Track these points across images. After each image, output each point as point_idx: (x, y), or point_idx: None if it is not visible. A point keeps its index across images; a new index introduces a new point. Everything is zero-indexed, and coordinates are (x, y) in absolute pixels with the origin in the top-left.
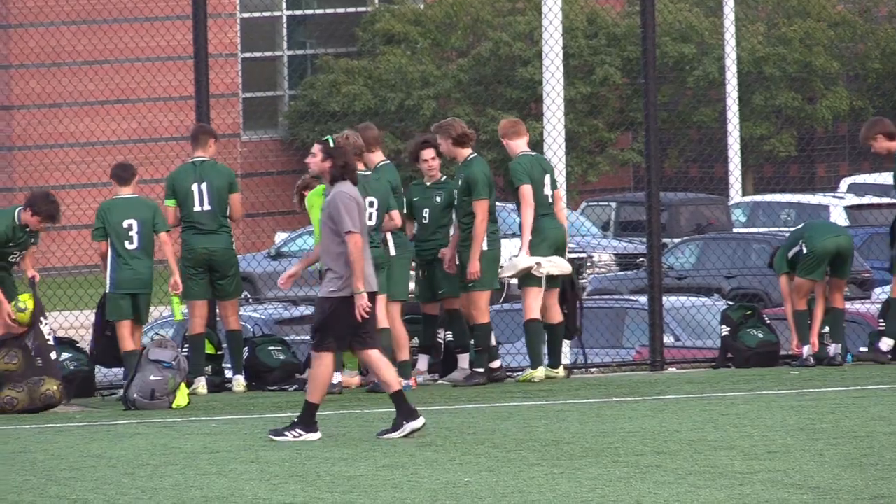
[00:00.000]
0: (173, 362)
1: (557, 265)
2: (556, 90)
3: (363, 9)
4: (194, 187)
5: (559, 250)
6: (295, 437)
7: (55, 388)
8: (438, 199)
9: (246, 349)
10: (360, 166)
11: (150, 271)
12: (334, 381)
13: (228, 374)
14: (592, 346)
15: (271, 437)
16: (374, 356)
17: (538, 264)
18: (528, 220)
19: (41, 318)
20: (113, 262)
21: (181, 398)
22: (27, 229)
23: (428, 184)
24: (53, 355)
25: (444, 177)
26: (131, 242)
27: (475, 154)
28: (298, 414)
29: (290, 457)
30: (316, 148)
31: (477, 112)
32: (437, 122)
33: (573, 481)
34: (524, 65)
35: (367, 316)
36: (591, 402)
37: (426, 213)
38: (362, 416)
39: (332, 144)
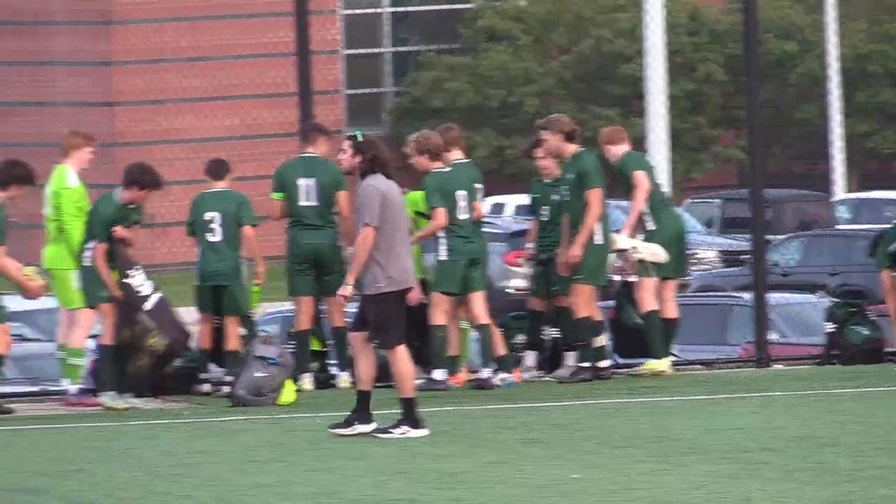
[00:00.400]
0: (279, 359)
1: (653, 252)
2: (658, 87)
3: (466, 5)
4: (301, 182)
5: (680, 241)
6: (401, 433)
7: (154, 340)
8: (556, 196)
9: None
10: (438, 164)
11: (234, 263)
12: (439, 377)
13: (334, 370)
14: (697, 342)
15: (377, 435)
16: (398, 352)
17: (634, 248)
18: (639, 204)
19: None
20: (199, 255)
21: (287, 394)
22: (131, 207)
23: (547, 181)
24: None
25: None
26: (213, 235)
27: (583, 149)
28: (401, 412)
29: (395, 453)
30: (346, 144)
31: (579, 109)
32: (545, 118)
33: (680, 478)
34: (626, 62)
35: (342, 303)
36: (698, 399)
37: (545, 210)
38: (469, 413)
39: (360, 139)
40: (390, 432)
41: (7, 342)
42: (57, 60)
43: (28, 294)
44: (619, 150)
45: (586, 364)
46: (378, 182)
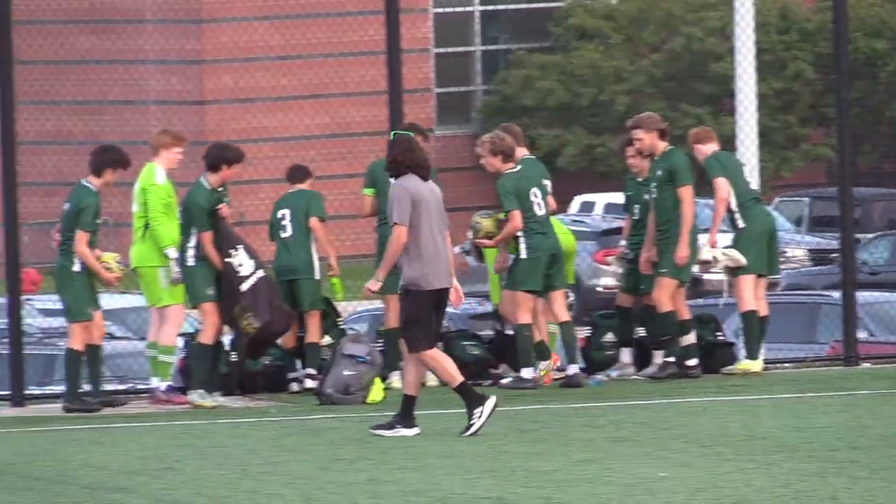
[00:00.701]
0: (368, 357)
1: (732, 258)
2: (748, 85)
3: (557, 4)
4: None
5: (770, 238)
6: (478, 426)
7: (245, 322)
8: (647, 195)
9: (440, 344)
10: (510, 165)
11: (306, 257)
12: (527, 375)
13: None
14: (787, 340)
15: (375, 431)
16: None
17: (715, 258)
18: (719, 214)
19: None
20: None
21: (376, 393)
22: (220, 189)
23: (639, 179)
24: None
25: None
26: (284, 231)
27: (672, 146)
28: (466, 407)
29: (484, 451)
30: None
31: (670, 107)
32: (638, 115)
33: (767, 476)
34: (717, 60)
35: (368, 296)
36: (786, 398)
37: (637, 208)
38: (557, 412)
39: (391, 139)
40: (473, 427)
41: (100, 334)
42: (147, 59)
43: (103, 282)
44: (708, 149)
45: (672, 359)
46: (408, 182)
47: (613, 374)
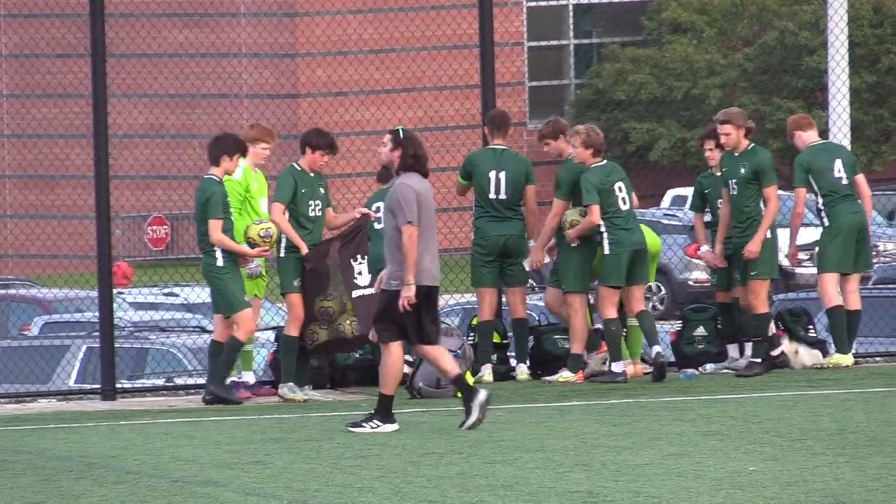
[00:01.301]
0: (459, 350)
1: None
2: (841, 79)
3: None
4: (492, 174)
5: (860, 234)
6: (372, 428)
7: (347, 323)
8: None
9: (531, 337)
10: (598, 160)
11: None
12: (618, 369)
13: (513, 362)
14: (878, 335)
15: (349, 428)
16: (428, 351)
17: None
18: (797, 225)
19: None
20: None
21: None
22: (312, 174)
23: (718, 174)
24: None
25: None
26: (379, 221)
27: (755, 144)
28: (375, 406)
29: (574, 445)
30: (386, 138)
31: (763, 101)
32: (724, 110)
33: (858, 470)
34: (810, 54)
35: (409, 308)
36: (877, 392)
37: (719, 203)
38: (647, 406)
39: (402, 135)
40: (362, 426)
41: (249, 329)
42: (241, 53)
43: (249, 258)
44: (808, 136)
45: (758, 359)
46: (413, 181)
47: (709, 367)
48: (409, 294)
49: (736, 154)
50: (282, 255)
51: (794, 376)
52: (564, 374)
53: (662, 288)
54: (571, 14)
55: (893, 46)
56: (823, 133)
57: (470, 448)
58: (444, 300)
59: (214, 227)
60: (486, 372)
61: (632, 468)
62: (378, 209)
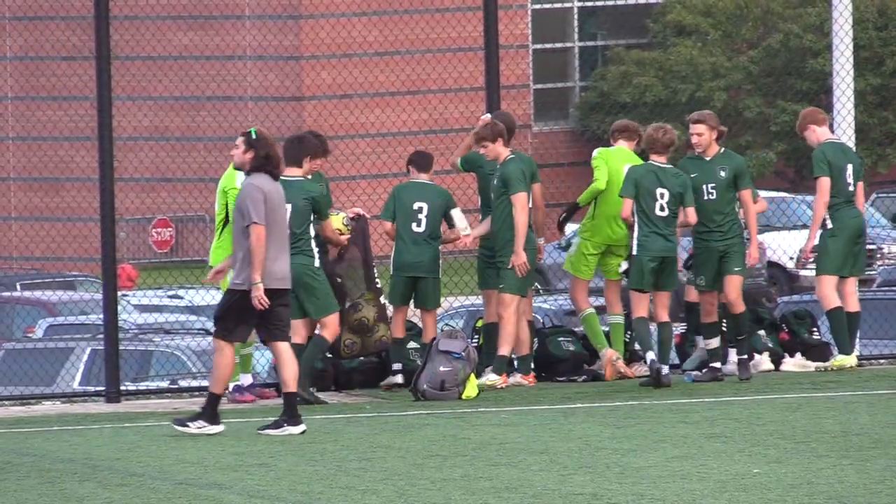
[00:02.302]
0: (463, 353)
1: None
2: (846, 82)
3: (654, 0)
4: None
5: (858, 239)
6: (198, 428)
7: (387, 333)
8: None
9: (536, 340)
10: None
11: (435, 255)
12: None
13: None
14: (882, 337)
15: (174, 426)
16: (281, 348)
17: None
18: (820, 214)
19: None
20: (397, 245)
21: (471, 389)
22: (310, 179)
23: (707, 158)
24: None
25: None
26: (419, 225)
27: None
28: (202, 405)
29: (578, 448)
30: (239, 140)
31: (767, 104)
32: (699, 111)
33: (862, 473)
34: (814, 56)
35: (263, 307)
36: (881, 394)
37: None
38: (651, 408)
39: (254, 136)
40: (187, 425)
41: (335, 331)
42: (245, 55)
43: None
44: (822, 133)
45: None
46: (262, 182)
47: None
48: (258, 294)
49: (708, 158)
50: None
51: (798, 379)
52: (491, 378)
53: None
54: (576, 16)
55: None
56: None
57: (474, 450)
58: (449, 302)
59: (328, 226)
60: (491, 376)
61: (636, 470)
62: (420, 209)
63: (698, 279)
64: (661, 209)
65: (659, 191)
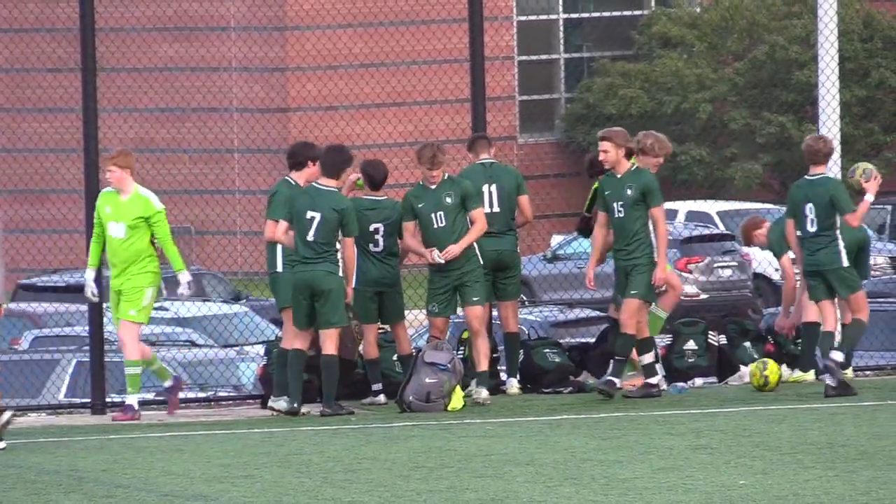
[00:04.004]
0: (449, 365)
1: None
2: (831, 93)
3: (640, 12)
4: (484, 189)
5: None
6: None
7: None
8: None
9: (521, 351)
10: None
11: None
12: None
13: (503, 376)
14: (868, 348)
15: None
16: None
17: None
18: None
19: None
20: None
21: (456, 401)
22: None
23: (618, 175)
24: None
25: None
26: (376, 245)
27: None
28: None
29: (564, 459)
30: None
31: (753, 115)
32: (607, 128)
33: (847, 484)
34: (800, 68)
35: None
36: (866, 405)
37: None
38: (636, 419)
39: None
40: None
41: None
42: (231, 67)
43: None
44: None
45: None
46: None
47: (699, 381)
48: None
49: (618, 176)
50: (279, 269)
51: (783, 390)
52: (483, 394)
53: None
54: (562, 28)
55: (883, 61)
56: None
57: (460, 462)
58: None
59: (349, 244)
60: (476, 387)
61: (622, 482)
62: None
63: (616, 297)
64: (812, 224)
65: (808, 206)
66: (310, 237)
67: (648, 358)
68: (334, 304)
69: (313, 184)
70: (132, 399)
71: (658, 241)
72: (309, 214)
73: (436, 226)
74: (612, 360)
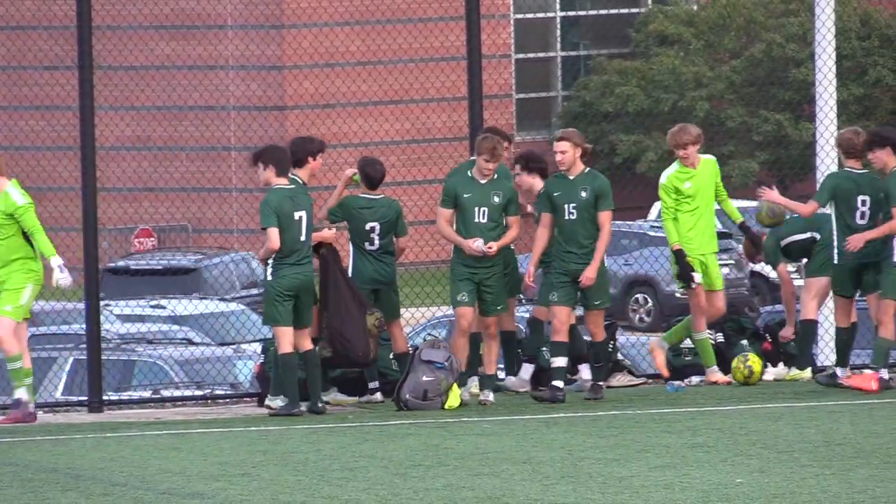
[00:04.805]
0: (446, 363)
1: None
2: (828, 91)
3: (636, 10)
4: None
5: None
6: None
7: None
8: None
9: (519, 351)
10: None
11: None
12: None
13: (500, 374)
14: (865, 346)
15: None
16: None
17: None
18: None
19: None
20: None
21: (453, 399)
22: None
23: (571, 177)
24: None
25: None
26: (372, 244)
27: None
28: None
29: (561, 458)
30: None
31: (750, 113)
32: (563, 129)
33: (844, 482)
34: (797, 66)
35: None
36: (863, 403)
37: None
38: (633, 417)
39: None
40: None
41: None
42: (228, 65)
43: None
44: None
45: (600, 383)
46: None
47: (695, 380)
48: None
49: (571, 177)
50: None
51: (780, 388)
52: (490, 397)
53: (649, 300)
54: (559, 26)
55: (881, 59)
56: (810, 146)
57: (456, 460)
58: (432, 312)
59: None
60: (474, 384)
61: (618, 480)
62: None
63: (551, 294)
64: (862, 217)
65: (860, 198)
66: (303, 237)
67: (559, 362)
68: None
69: (282, 185)
70: (20, 392)
71: (599, 243)
72: (296, 215)
73: (477, 220)
74: (583, 366)
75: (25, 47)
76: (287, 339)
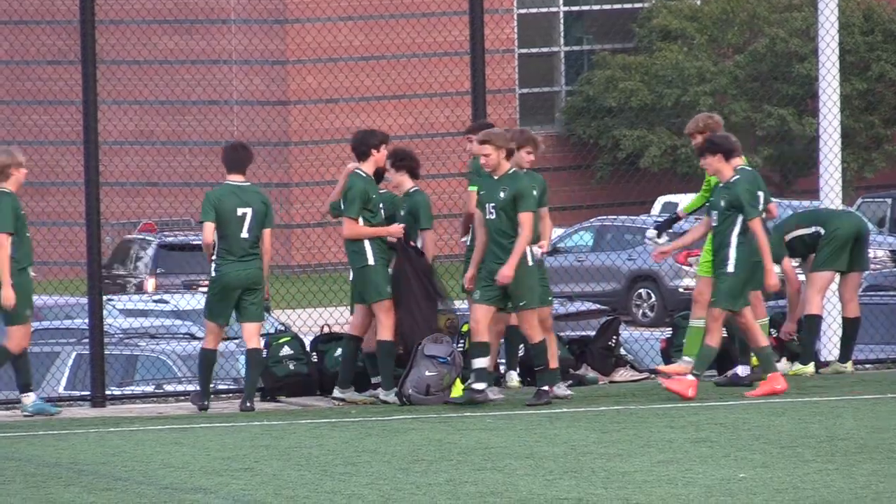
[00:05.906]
0: (449, 358)
1: None
2: (832, 86)
3: (640, 5)
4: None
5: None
6: None
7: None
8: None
9: (521, 346)
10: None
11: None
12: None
13: (502, 369)
14: (868, 342)
15: None
16: None
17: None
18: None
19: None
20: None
21: (456, 393)
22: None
23: (496, 177)
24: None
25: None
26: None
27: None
28: None
29: (564, 453)
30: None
31: (753, 108)
32: (486, 130)
33: (847, 478)
34: (800, 61)
35: None
36: (867, 399)
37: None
38: (637, 413)
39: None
40: None
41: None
42: (231, 59)
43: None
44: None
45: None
46: None
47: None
48: None
49: (495, 178)
50: (370, 262)
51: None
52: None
53: (653, 295)
54: (562, 21)
55: (884, 54)
56: (813, 141)
57: (459, 455)
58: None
59: (269, 235)
60: (511, 379)
61: (621, 475)
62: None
63: (473, 293)
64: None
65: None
66: (244, 234)
67: (481, 363)
68: (261, 299)
69: (228, 182)
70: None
71: (517, 243)
72: (240, 211)
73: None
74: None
75: (29, 42)
76: (213, 335)
